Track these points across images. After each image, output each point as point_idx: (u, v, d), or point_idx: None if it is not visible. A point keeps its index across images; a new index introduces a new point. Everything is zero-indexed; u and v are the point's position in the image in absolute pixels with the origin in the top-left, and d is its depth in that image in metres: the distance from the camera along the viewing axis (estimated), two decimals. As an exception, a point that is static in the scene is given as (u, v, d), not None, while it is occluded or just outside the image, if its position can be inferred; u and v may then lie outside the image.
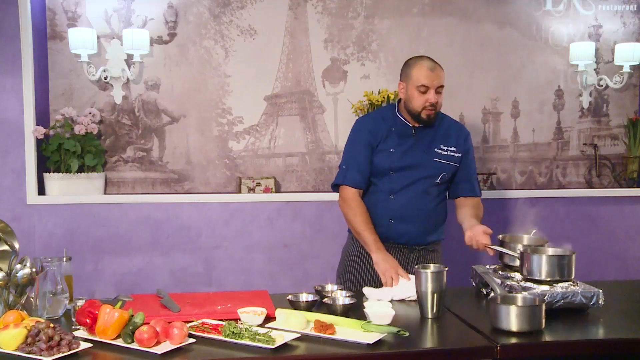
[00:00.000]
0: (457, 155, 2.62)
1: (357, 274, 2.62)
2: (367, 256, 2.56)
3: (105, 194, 3.55)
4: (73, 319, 1.91)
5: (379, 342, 1.78)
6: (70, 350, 1.68)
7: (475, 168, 2.74)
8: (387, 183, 2.56)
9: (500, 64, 3.92)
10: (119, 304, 1.84)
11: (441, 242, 2.74)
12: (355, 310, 2.07)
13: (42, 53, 3.50)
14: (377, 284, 2.45)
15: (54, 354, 1.65)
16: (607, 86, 3.96)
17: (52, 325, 1.72)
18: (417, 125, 2.57)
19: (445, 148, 2.60)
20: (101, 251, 3.47)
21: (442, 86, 2.51)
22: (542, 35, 3.94)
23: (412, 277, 2.28)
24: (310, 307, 2.11)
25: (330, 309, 2.05)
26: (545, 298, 2.00)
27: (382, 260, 2.43)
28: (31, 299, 2.00)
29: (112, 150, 3.63)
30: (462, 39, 3.87)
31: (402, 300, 2.27)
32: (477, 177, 2.74)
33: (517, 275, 2.24)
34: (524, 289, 2.09)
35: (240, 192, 3.61)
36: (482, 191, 2.74)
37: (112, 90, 3.58)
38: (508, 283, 2.18)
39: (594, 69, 3.95)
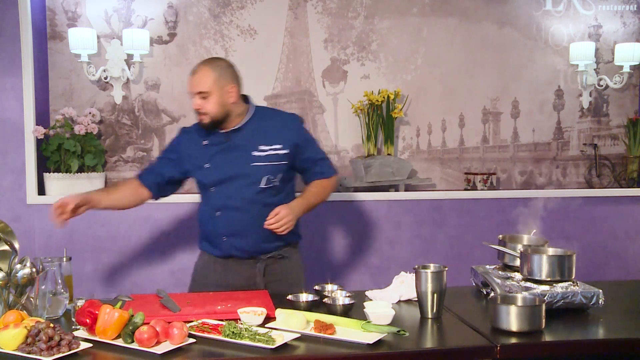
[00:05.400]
0: (282, 152, 2.46)
1: (205, 287, 2.51)
2: (212, 268, 2.53)
3: (105, 194, 3.55)
4: (73, 319, 1.91)
5: (379, 342, 1.78)
6: (70, 350, 1.68)
7: (321, 151, 2.62)
8: (210, 199, 2.44)
9: (500, 64, 3.91)
10: (119, 304, 1.84)
11: (297, 244, 2.63)
12: (355, 310, 2.07)
13: (42, 53, 3.50)
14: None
15: (54, 354, 1.65)
16: (607, 86, 3.96)
17: (52, 325, 1.72)
18: (228, 130, 2.47)
19: (267, 148, 2.44)
20: (101, 251, 3.47)
21: (204, 92, 2.38)
22: (542, 35, 3.94)
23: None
24: (310, 307, 2.11)
25: (330, 309, 2.05)
26: (545, 298, 2.00)
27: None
28: (31, 299, 2.00)
29: (112, 150, 3.63)
30: (462, 39, 3.87)
31: (401, 301, 2.27)
32: (325, 159, 2.61)
33: (517, 275, 2.24)
34: (524, 289, 2.10)
35: (240, 192, 3.61)
36: (336, 170, 2.64)
37: (112, 90, 3.58)
38: (508, 283, 2.18)
39: (594, 69, 3.95)
